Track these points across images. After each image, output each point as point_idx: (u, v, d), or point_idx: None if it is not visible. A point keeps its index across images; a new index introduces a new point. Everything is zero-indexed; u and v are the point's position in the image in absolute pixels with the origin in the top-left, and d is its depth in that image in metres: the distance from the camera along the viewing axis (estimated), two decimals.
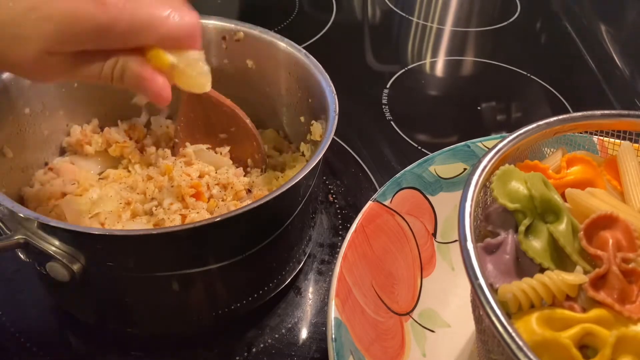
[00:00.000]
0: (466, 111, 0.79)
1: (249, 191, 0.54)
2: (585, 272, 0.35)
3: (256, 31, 0.56)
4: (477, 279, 0.33)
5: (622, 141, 0.45)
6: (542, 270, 0.36)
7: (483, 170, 0.39)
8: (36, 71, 0.37)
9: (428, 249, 0.52)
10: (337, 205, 0.63)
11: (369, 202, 0.50)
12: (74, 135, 0.56)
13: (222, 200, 0.52)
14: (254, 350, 0.50)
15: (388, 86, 0.81)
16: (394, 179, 0.53)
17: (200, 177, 0.53)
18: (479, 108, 0.79)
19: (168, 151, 0.56)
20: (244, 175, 0.55)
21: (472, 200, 0.37)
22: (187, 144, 0.56)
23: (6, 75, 0.49)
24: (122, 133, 0.58)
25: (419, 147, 0.71)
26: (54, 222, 0.39)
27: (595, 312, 0.33)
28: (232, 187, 0.53)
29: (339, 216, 0.62)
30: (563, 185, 0.42)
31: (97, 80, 0.38)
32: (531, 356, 0.30)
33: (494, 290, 0.34)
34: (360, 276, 0.46)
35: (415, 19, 0.98)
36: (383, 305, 0.47)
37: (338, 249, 0.54)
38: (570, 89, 0.84)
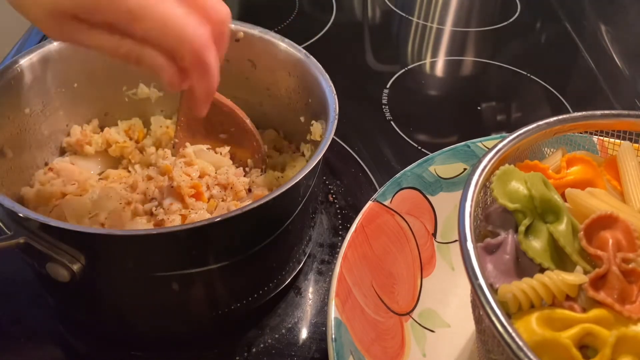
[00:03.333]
0: (466, 111, 0.79)
1: (249, 191, 0.54)
2: (585, 272, 0.35)
3: (256, 31, 0.56)
4: (477, 279, 0.33)
5: (622, 141, 0.45)
6: (542, 270, 0.36)
7: (483, 170, 0.39)
8: (54, 30, 0.39)
9: (428, 249, 0.52)
10: (337, 205, 0.63)
11: (369, 202, 0.50)
12: (74, 135, 0.56)
13: (222, 200, 0.52)
14: (254, 350, 0.50)
15: (388, 86, 0.81)
16: (394, 179, 0.53)
17: (200, 177, 0.53)
18: (479, 108, 0.79)
19: (168, 151, 0.56)
20: (244, 175, 0.55)
21: (472, 200, 0.37)
22: (187, 144, 0.56)
23: (6, 75, 0.49)
24: (122, 133, 0.58)
25: (419, 147, 0.71)
26: (54, 222, 0.39)
27: (595, 312, 0.33)
28: (232, 187, 0.52)
29: (339, 216, 0.62)
30: (563, 185, 0.42)
31: (115, 56, 0.39)
32: (531, 356, 0.30)
33: (494, 290, 0.34)
34: (360, 276, 0.46)
35: (415, 19, 0.98)
36: (383, 305, 0.47)
37: (338, 249, 0.54)
38: (570, 89, 0.84)
